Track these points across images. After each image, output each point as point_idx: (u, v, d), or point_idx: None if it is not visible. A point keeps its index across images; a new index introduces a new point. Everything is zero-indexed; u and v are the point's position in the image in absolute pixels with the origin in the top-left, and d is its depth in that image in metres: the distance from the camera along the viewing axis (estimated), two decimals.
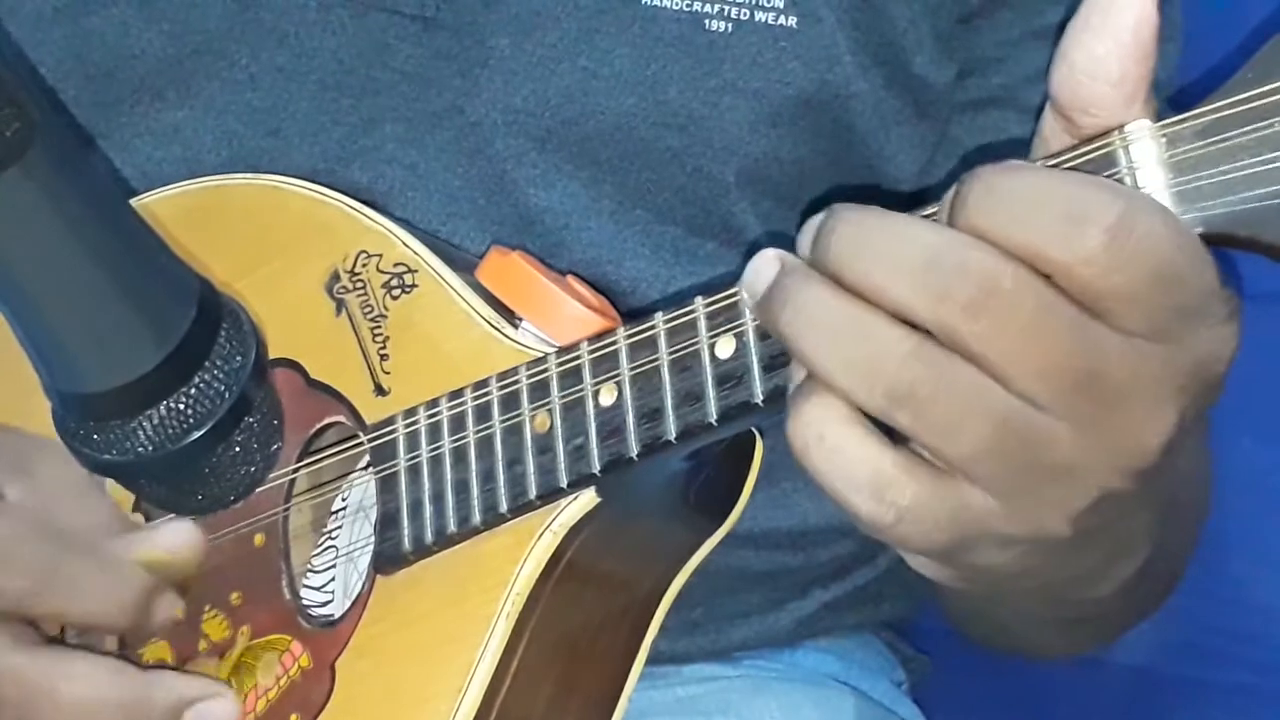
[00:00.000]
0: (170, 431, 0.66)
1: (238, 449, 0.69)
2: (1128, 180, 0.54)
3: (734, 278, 0.77)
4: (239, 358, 0.67)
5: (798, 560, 0.87)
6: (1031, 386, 0.54)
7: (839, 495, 0.55)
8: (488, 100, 0.78)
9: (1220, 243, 0.54)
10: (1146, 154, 0.54)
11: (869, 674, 0.94)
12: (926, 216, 0.56)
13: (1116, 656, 1.02)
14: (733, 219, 0.80)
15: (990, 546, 0.57)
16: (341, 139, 0.79)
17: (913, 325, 0.54)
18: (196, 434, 0.66)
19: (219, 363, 0.67)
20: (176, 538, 0.73)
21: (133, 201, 0.80)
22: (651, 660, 0.71)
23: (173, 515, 0.74)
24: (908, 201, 0.80)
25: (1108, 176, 0.55)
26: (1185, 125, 0.54)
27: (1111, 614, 0.65)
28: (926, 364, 0.53)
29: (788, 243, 0.79)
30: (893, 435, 0.55)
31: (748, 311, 0.62)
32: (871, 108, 0.79)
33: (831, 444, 0.55)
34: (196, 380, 0.66)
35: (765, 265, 0.57)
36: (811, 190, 0.80)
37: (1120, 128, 0.55)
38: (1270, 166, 0.52)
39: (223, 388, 0.67)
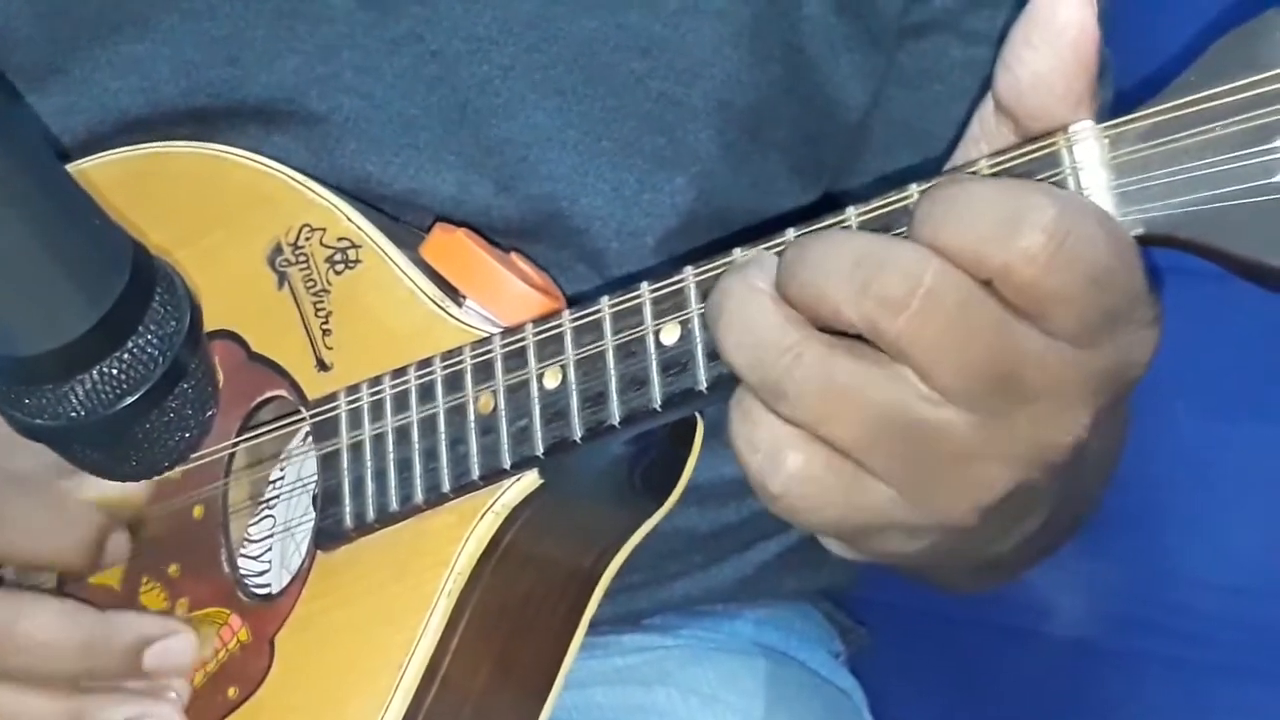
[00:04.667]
0: (103, 396, 0.65)
1: (172, 415, 0.68)
2: (1070, 181, 0.55)
3: (691, 216, 0.78)
4: (173, 322, 0.67)
5: (740, 516, 0.88)
6: (947, 381, 0.55)
7: (741, 456, 0.57)
8: (449, 28, 0.78)
9: (1160, 244, 0.55)
10: (1090, 155, 0.55)
11: (807, 644, 0.94)
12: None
13: (1051, 629, 1.03)
14: (699, 148, 0.79)
15: (898, 535, 0.58)
16: (298, 67, 0.78)
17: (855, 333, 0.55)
18: (130, 399, 0.66)
19: (153, 327, 0.66)
20: None
21: (70, 166, 0.79)
22: (592, 625, 0.71)
23: None
24: (856, 131, 0.81)
25: (1051, 176, 0.55)
26: (1129, 127, 0.54)
27: (1014, 562, 0.67)
28: (797, 359, 0.55)
29: (751, 173, 0.80)
30: None
31: (693, 299, 0.62)
32: (822, 31, 0.79)
33: (745, 408, 0.57)
34: (130, 345, 0.65)
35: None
36: (772, 121, 0.80)
37: (1064, 128, 0.55)
38: (1212, 170, 0.53)
39: (156, 353, 0.66)
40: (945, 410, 0.55)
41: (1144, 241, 0.55)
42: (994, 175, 0.56)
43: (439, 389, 0.69)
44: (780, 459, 0.56)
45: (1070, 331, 0.54)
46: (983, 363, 0.54)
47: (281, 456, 0.76)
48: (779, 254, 0.57)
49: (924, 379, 0.55)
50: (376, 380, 0.71)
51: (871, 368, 0.55)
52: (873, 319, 0.54)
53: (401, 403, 0.70)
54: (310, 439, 0.73)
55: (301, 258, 0.74)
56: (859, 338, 0.55)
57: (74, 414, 0.66)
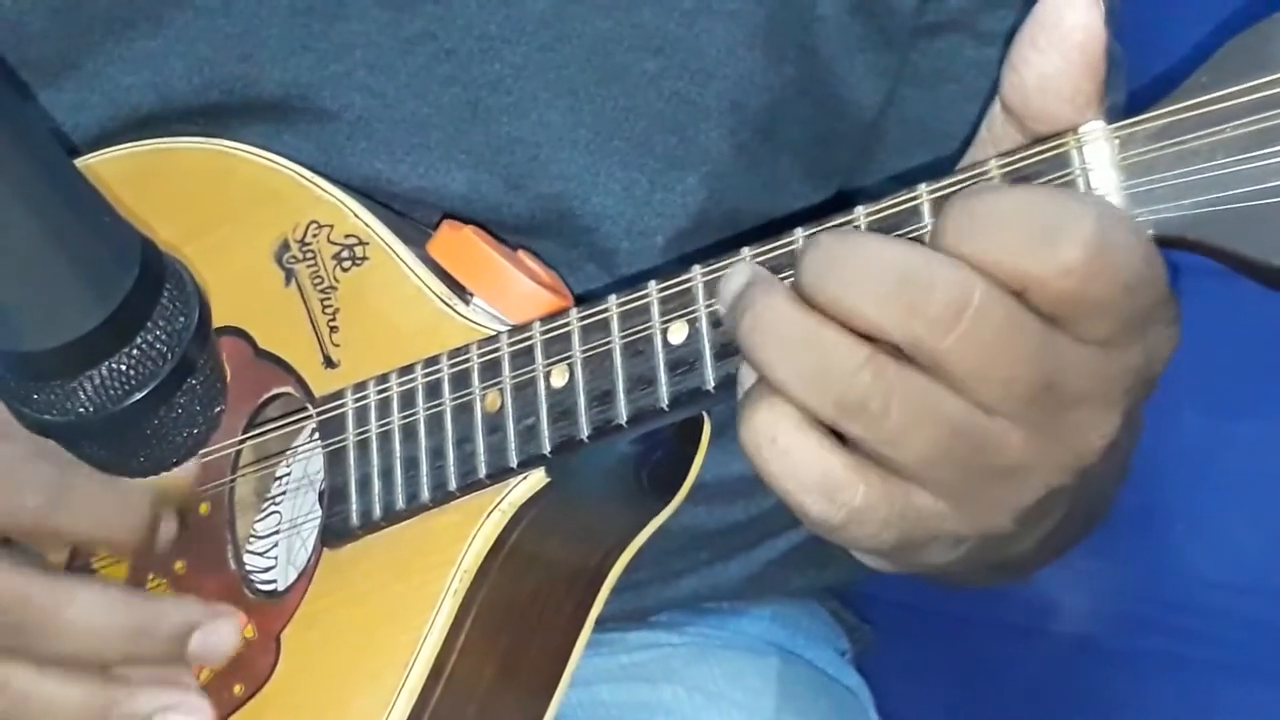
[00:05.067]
0: (111, 392, 0.66)
1: (180, 411, 0.68)
2: (1080, 182, 0.55)
3: (702, 216, 0.77)
4: (182, 319, 0.67)
5: (747, 514, 0.88)
6: (994, 397, 0.54)
7: (790, 497, 0.56)
8: (463, 27, 0.78)
9: (1170, 245, 0.55)
10: (1100, 156, 0.54)
11: (813, 642, 0.95)
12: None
13: (1056, 627, 1.04)
14: (711, 147, 0.79)
15: (940, 547, 0.58)
16: (312, 65, 0.78)
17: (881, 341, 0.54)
18: (138, 395, 0.66)
19: (161, 323, 0.66)
20: None
21: (78, 162, 0.79)
22: (597, 622, 0.71)
23: None
24: (869, 131, 0.81)
25: (1060, 177, 0.55)
26: (1139, 128, 0.54)
27: (1030, 560, 0.67)
28: (877, 376, 0.54)
29: (763, 174, 0.80)
30: (842, 435, 0.56)
31: (700, 298, 0.62)
32: (836, 31, 0.79)
33: (783, 446, 0.55)
34: (138, 341, 0.65)
35: (737, 274, 0.58)
36: (785, 121, 0.80)
37: (1074, 129, 0.55)
38: (1222, 172, 0.53)
39: (165, 349, 0.66)
40: (1001, 421, 0.55)
41: (1155, 243, 0.55)
42: (1003, 177, 0.56)
43: (446, 387, 0.69)
44: (842, 495, 0.55)
45: (1104, 336, 0.54)
46: (1027, 376, 0.54)
47: (288, 453, 0.76)
48: (797, 255, 0.56)
49: (968, 395, 0.54)
50: (383, 378, 0.71)
51: (938, 380, 0.54)
52: (920, 339, 0.53)
53: (408, 400, 0.70)
54: (317, 436, 0.73)
55: (309, 254, 0.74)
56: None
57: (82, 410, 0.66)
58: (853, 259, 0.54)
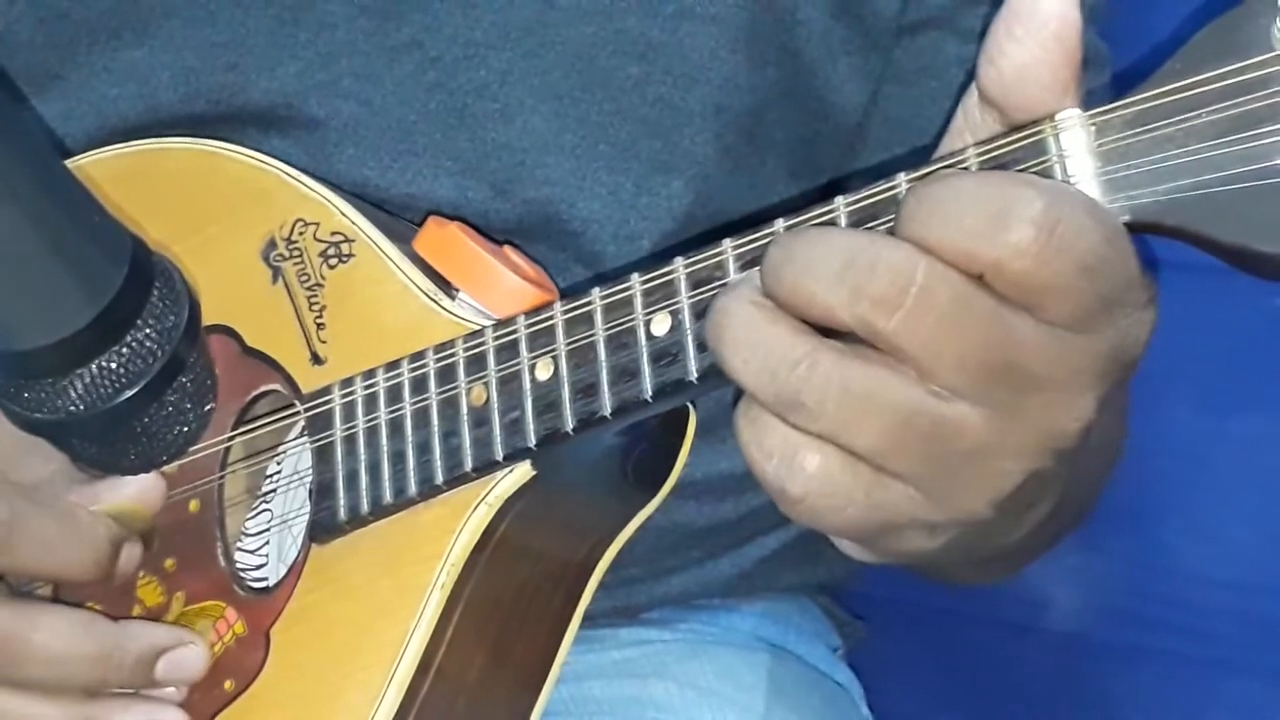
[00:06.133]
0: (102, 390, 0.66)
1: (170, 409, 0.69)
2: (1057, 168, 0.55)
3: (688, 219, 0.78)
4: (172, 317, 0.67)
5: (738, 512, 0.88)
6: (949, 377, 0.55)
7: (755, 464, 0.57)
8: (449, 35, 0.78)
9: (1147, 230, 0.55)
10: (1076, 142, 0.55)
11: (805, 638, 0.95)
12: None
13: (1049, 623, 1.04)
14: (696, 151, 0.80)
15: (917, 534, 0.58)
16: (299, 73, 0.79)
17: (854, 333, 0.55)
18: (128, 393, 0.66)
19: (151, 322, 0.67)
20: (142, 485, 0.73)
21: (68, 162, 0.80)
22: (589, 619, 0.72)
23: None
24: (854, 132, 0.81)
25: (1038, 164, 0.55)
26: (1114, 115, 0.54)
27: (1022, 551, 0.67)
28: (810, 370, 0.55)
29: (748, 176, 0.80)
30: None
31: (683, 290, 0.62)
32: (819, 35, 0.80)
33: (753, 416, 0.57)
34: (128, 339, 0.66)
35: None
36: (769, 124, 0.81)
37: (1051, 116, 0.56)
38: (1196, 158, 0.53)
39: (155, 347, 0.67)
40: (958, 406, 0.55)
41: (1131, 228, 0.55)
42: (981, 165, 0.56)
43: (432, 381, 0.69)
44: (797, 462, 0.56)
45: (1066, 320, 0.54)
46: (982, 355, 0.54)
47: (278, 450, 0.76)
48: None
49: (925, 376, 0.55)
50: (370, 373, 0.71)
51: (883, 370, 0.55)
52: (867, 320, 0.54)
53: (394, 395, 0.70)
54: (305, 432, 0.73)
55: (295, 252, 0.75)
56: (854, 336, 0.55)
57: (73, 408, 0.66)
58: (805, 248, 0.55)
